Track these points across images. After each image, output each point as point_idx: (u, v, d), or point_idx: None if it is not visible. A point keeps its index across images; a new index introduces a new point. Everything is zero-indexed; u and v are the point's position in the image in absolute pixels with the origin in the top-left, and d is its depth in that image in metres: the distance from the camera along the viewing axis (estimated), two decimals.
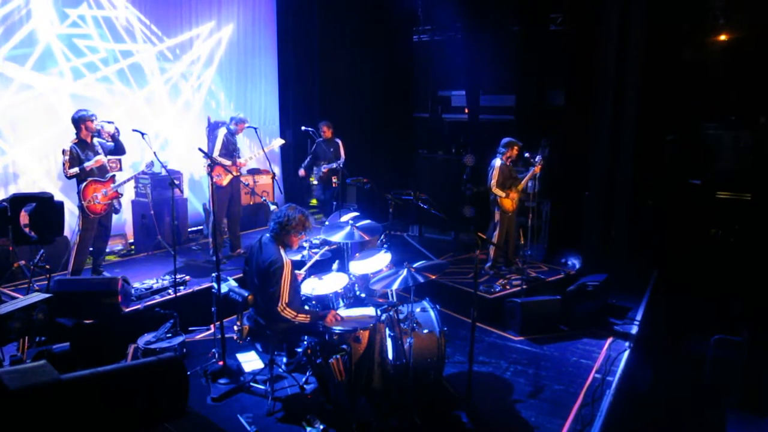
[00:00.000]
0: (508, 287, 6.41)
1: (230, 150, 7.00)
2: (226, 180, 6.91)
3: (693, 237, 8.07)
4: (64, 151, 5.66)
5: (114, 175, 6.01)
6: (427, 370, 4.19)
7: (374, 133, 9.92)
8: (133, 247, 7.73)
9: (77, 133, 5.70)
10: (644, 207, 7.82)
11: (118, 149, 6.10)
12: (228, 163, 6.87)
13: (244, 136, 7.76)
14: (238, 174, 6.98)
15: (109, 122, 6.12)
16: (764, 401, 4.59)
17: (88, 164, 5.68)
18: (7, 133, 6.73)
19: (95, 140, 5.85)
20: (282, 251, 4.08)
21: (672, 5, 7.51)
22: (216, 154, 6.87)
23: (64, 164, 5.65)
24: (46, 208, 5.49)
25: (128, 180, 6.31)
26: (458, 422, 4.03)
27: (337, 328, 3.97)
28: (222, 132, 7.01)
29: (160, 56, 8.31)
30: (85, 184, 5.72)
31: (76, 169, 5.64)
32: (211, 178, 6.08)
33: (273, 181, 7.84)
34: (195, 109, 8.78)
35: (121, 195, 6.13)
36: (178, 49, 8.51)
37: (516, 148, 6.68)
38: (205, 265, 6.78)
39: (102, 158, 5.82)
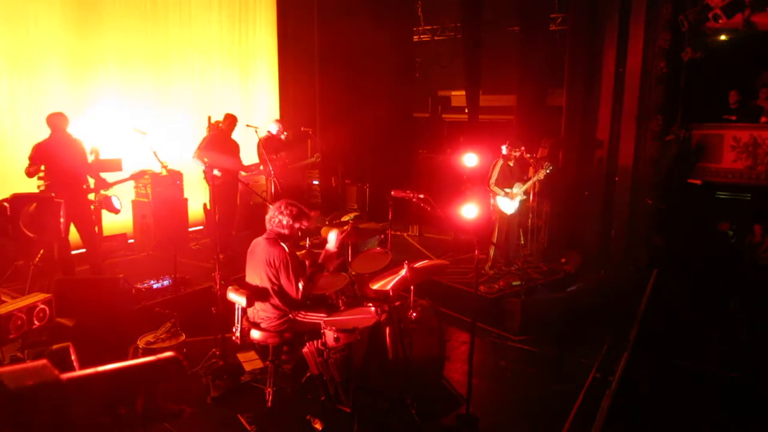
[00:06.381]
0: (508, 287, 6.41)
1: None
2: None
3: (693, 237, 8.06)
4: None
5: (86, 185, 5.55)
6: (426, 369, 4.19)
7: (374, 133, 9.92)
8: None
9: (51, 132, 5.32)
10: (644, 207, 7.83)
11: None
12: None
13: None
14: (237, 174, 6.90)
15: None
16: None
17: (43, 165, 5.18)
18: (7, 131, 6.73)
19: (75, 139, 5.47)
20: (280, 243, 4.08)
21: (672, 4, 7.53)
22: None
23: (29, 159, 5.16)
24: (46, 208, 5.47)
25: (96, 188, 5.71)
26: (458, 422, 4.03)
27: (337, 328, 3.97)
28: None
29: (161, 56, 8.31)
30: (47, 186, 5.31)
31: (33, 168, 5.18)
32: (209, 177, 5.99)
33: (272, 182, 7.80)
34: (195, 108, 8.77)
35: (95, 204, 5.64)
36: (178, 48, 8.52)
37: (518, 150, 6.73)
38: (205, 265, 6.78)
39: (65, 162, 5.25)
